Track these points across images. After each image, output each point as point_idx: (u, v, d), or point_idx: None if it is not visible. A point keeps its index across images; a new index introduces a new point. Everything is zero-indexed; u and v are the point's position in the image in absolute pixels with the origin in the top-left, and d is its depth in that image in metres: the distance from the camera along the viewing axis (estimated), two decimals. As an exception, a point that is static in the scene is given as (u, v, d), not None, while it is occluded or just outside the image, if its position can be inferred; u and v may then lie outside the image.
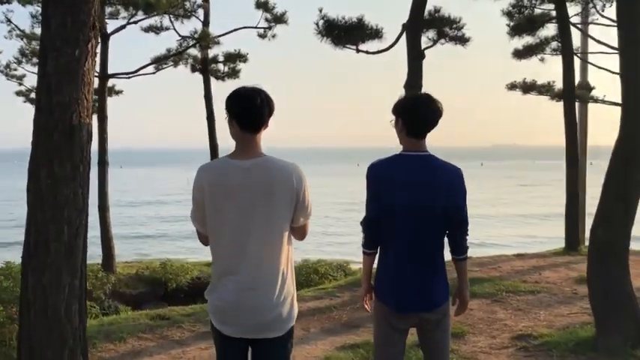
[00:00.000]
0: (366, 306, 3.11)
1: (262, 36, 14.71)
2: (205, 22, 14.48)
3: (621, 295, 5.26)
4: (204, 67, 14.69)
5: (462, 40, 10.76)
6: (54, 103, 3.09)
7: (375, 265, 3.03)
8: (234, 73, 15.55)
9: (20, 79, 16.29)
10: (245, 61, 15.13)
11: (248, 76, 17.08)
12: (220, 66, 15.41)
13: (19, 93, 16.79)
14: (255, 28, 14.61)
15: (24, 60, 15.02)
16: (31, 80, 16.75)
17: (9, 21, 14.41)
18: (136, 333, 6.24)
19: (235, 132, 2.49)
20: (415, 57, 9.73)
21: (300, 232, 2.61)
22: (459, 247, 2.95)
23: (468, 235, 2.96)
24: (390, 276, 2.89)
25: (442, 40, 10.78)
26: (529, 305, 7.09)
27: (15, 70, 15.99)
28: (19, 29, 14.60)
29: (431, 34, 10.89)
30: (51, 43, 3.15)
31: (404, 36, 9.91)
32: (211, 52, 14.97)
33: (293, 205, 2.47)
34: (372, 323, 6.49)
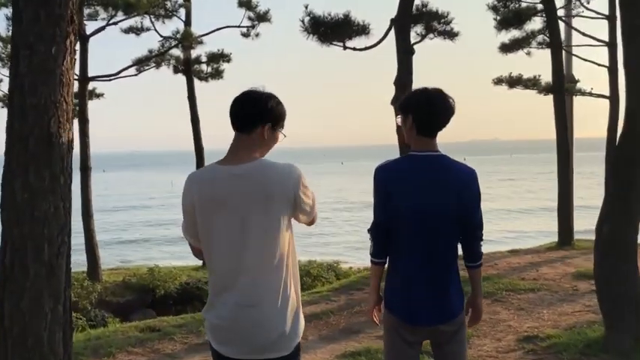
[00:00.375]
0: (375, 319, 2.91)
1: (246, 35, 14.37)
2: (187, 22, 14.10)
3: (631, 293, 5.03)
4: (187, 68, 14.30)
5: (451, 35, 10.56)
6: (28, 105, 2.74)
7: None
8: (217, 74, 15.19)
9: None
10: (229, 61, 14.76)
11: (233, 77, 16.71)
12: (203, 66, 15.03)
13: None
14: (239, 27, 14.27)
15: (0, 64, 14.48)
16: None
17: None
18: (126, 347, 5.89)
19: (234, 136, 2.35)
20: (405, 52, 9.48)
21: (308, 224, 2.48)
22: (473, 254, 2.79)
23: (482, 240, 2.80)
24: (401, 285, 2.72)
25: (431, 35, 10.56)
26: (531, 304, 6.86)
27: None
28: (-6, 33, 14.07)
29: (419, 29, 10.66)
30: (23, 40, 2.79)
31: (392, 31, 9.66)
32: (194, 53, 14.61)
33: (292, 209, 2.30)
34: (371, 328, 6.11)
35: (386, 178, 2.70)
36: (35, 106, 2.75)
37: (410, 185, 2.64)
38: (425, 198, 2.61)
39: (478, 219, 2.72)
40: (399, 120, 2.80)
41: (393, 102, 9.63)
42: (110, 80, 13.57)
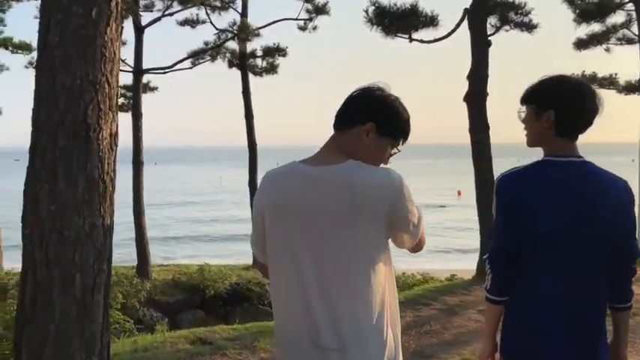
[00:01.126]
0: None
1: (303, 28, 13.64)
2: (243, 14, 13.45)
3: None
4: (242, 62, 13.64)
5: (529, 27, 9.55)
6: (58, 86, 2.00)
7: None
8: (272, 69, 14.47)
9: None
10: (284, 55, 14.04)
11: (288, 72, 16.02)
12: (258, 61, 14.35)
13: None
14: (296, 20, 13.54)
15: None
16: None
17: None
18: (174, 362, 5.20)
19: None
20: (480, 45, 8.60)
21: (413, 249, 1.94)
22: (623, 292, 2.17)
23: (634, 274, 2.17)
24: (531, 333, 2.11)
25: (506, 27, 9.56)
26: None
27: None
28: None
29: (493, 20, 9.68)
30: (56, 2, 2.05)
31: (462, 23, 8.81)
32: (249, 47, 13.95)
33: (388, 226, 1.77)
34: (445, 353, 5.21)
35: (515, 192, 2.10)
36: (68, 88, 2.00)
37: (549, 202, 2.05)
38: (569, 220, 2.04)
39: (634, 248, 2.12)
40: (527, 114, 2.16)
41: (466, 98, 8.81)
42: (165, 73, 13.06)
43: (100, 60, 2.06)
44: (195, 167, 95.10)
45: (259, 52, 14.17)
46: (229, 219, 31.15)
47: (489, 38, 8.87)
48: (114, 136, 2.14)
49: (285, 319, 1.85)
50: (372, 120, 1.80)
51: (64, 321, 2.00)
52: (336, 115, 1.87)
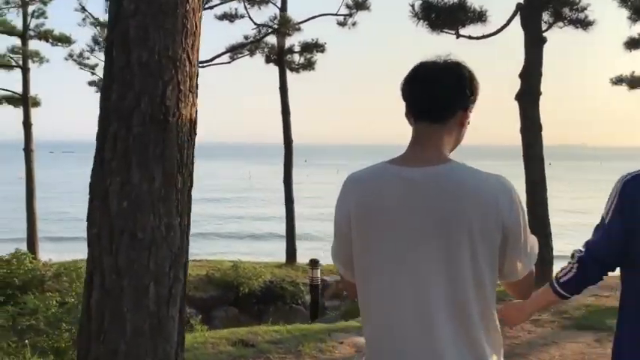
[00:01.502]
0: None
1: (342, 24, 13.26)
2: (282, 9, 13.15)
3: None
4: (280, 58, 13.34)
5: (584, 24, 8.99)
6: (133, 62, 1.68)
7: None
8: (309, 65, 14.14)
9: (93, 68, 15.25)
10: (323, 51, 13.69)
11: (324, 69, 15.68)
12: (296, 57, 14.03)
13: (91, 83, 15.84)
14: (335, 15, 13.17)
15: (97, 48, 14.07)
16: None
17: (83, 8, 13.55)
18: (216, 365, 4.92)
19: (412, 127, 1.56)
20: (534, 42, 8.15)
21: (520, 287, 1.64)
22: None
23: None
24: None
25: (560, 23, 9.03)
26: None
27: (88, 59, 15.05)
28: (92, 17, 13.71)
29: (545, 16, 9.20)
30: (131, -35, 1.73)
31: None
32: (287, 42, 13.64)
33: (499, 243, 1.47)
34: None
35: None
36: (145, 64, 1.67)
37: None
38: None
39: None
40: None
41: (518, 97, 8.39)
42: (203, 67, 12.84)
43: (181, 32, 1.73)
44: (223, 163, 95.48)
45: (297, 48, 13.86)
46: (259, 216, 31.01)
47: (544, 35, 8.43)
48: (194, 122, 1.81)
49: (389, 342, 1.54)
50: (472, 102, 1.53)
51: (135, 338, 1.68)
52: (432, 104, 1.53)
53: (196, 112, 1.84)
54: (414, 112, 1.54)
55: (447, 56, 1.54)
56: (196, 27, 1.81)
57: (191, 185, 1.83)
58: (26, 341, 5.85)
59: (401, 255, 1.51)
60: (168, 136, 1.72)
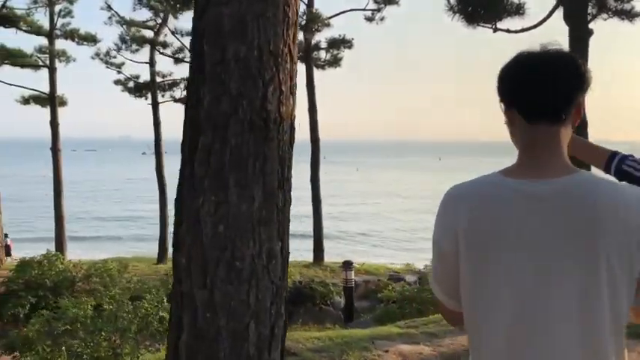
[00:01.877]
0: None
1: (370, 19, 12.91)
2: (309, 4, 12.83)
3: None
4: (307, 54, 13.03)
5: (630, 15, 8.57)
6: (229, 59, 1.39)
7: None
8: (335, 62, 13.83)
9: (119, 67, 15.10)
10: (350, 47, 13.37)
11: (349, 66, 15.32)
12: (322, 53, 13.71)
13: (117, 82, 15.67)
14: (364, 10, 12.82)
15: (123, 47, 13.90)
16: (130, 69, 15.55)
17: (109, 7, 13.38)
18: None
19: (519, 129, 1.27)
20: (579, 35, 7.74)
21: None
22: None
23: None
24: None
25: (604, 15, 8.63)
26: None
27: (114, 57, 14.89)
28: (118, 15, 13.53)
29: (589, 7, 8.79)
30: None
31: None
32: (314, 38, 13.32)
33: (637, 268, 1.21)
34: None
35: None
36: (242, 60, 1.38)
37: None
38: None
39: None
40: None
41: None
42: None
43: (283, 22, 1.44)
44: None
45: (324, 44, 13.54)
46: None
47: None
48: (294, 129, 1.52)
49: None
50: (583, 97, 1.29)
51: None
52: (551, 100, 1.26)
53: (295, 115, 1.55)
54: (528, 112, 1.28)
55: (548, 44, 1.29)
56: (296, 17, 1.52)
57: (290, 202, 1.55)
58: (62, 348, 5.68)
59: (528, 289, 1.29)
60: (269, 147, 1.43)
